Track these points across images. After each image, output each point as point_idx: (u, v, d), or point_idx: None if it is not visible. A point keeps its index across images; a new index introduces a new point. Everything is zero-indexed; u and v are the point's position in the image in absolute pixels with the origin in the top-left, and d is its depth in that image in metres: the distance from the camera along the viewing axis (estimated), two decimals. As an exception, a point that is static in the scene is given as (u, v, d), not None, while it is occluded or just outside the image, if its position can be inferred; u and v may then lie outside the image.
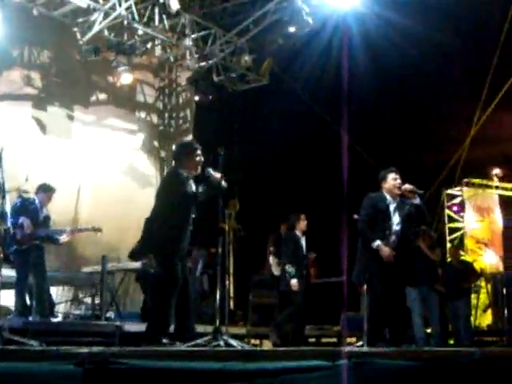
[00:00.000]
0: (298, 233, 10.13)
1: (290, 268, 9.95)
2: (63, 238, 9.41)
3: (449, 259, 12.43)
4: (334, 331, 12.04)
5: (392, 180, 7.80)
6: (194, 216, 6.99)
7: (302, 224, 10.12)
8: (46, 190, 9.48)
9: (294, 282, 9.84)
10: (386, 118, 14.50)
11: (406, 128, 14.74)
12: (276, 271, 11.83)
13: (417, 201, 7.74)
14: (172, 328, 6.93)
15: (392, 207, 7.74)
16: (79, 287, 11.83)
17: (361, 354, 5.38)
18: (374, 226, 7.72)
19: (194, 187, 6.98)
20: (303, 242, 10.15)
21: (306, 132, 14.28)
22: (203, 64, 13.56)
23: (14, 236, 8.71)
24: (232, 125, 14.20)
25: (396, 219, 7.72)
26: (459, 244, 15.46)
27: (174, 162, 7.42)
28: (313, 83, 13.94)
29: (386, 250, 7.53)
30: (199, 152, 7.13)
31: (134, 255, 10.79)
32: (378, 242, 7.57)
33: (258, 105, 14.42)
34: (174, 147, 7.17)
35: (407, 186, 7.74)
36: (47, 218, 9.48)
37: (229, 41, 13.41)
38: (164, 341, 6.47)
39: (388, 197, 7.78)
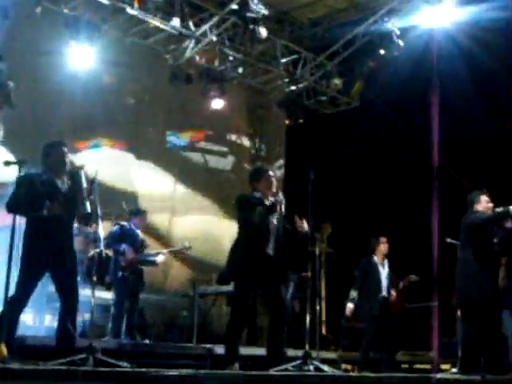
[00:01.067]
0: (375, 258, 9.92)
1: (351, 292, 9.83)
2: (160, 259, 9.70)
3: None
4: (427, 357, 11.78)
5: (485, 202, 7.76)
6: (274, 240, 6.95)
7: (383, 247, 9.91)
8: (137, 214, 9.72)
9: (349, 305, 9.74)
10: (479, 143, 14.16)
11: (497, 153, 14.35)
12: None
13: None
14: (264, 353, 6.98)
15: None
16: (172, 310, 11.98)
17: (454, 382, 5.27)
18: None
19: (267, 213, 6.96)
20: (384, 266, 9.93)
21: (396, 154, 14.11)
22: (293, 88, 13.60)
23: (117, 262, 9.08)
24: (323, 148, 14.15)
25: None
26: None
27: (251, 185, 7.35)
28: (404, 106, 13.77)
29: None
30: (270, 174, 7.17)
31: (222, 279, 10.88)
32: None
33: (349, 128, 14.32)
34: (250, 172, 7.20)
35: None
36: (143, 242, 9.76)
37: (319, 64, 13.42)
38: (236, 366, 6.51)
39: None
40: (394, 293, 10.20)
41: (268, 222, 6.89)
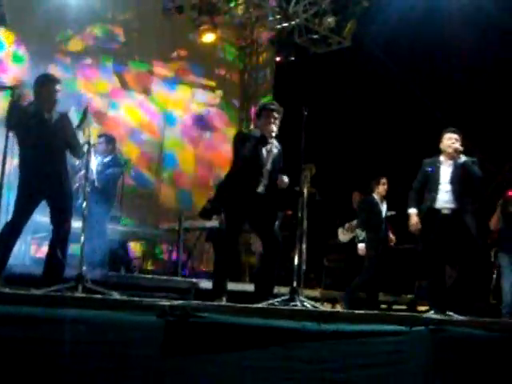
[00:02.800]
0: (376, 197, 10.04)
1: (359, 232, 9.97)
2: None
3: None
4: (407, 299, 11.95)
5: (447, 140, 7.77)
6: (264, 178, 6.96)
7: (382, 188, 10.01)
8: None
9: (360, 246, 9.95)
10: (474, 88, 14.04)
11: (494, 98, 14.24)
12: (342, 239, 11.86)
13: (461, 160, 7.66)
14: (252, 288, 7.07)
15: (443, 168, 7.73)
16: (156, 243, 12.03)
17: (437, 321, 5.34)
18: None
19: (263, 150, 6.95)
20: (383, 207, 10.05)
21: (386, 97, 14.06)
22: (285, 25, 13.46)
23: None
24: (312, 87, 14.05)
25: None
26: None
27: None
28: (396, 49, 13.65)
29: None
30: (273, 113, 7.01)
31: (204, 213, 10.90)
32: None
33: (339, 68, 14.21)
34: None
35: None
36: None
37: (312, 2, 13.26)
38: (223, 299, 6.57)
39: (441, 158, 7.77)
40: (391, 234, 10.38)
41: (259, 158, 6.87)
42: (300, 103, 7.48)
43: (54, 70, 9.81)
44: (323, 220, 12.66)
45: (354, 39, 13.75)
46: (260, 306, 5.76)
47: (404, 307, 11.91)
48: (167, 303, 4.27)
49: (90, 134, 6.21)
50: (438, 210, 7.63)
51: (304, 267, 12.44)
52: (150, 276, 9.26)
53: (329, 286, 11.72)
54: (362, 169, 13.41)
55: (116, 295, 5.72)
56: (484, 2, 12.11)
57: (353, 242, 11.48)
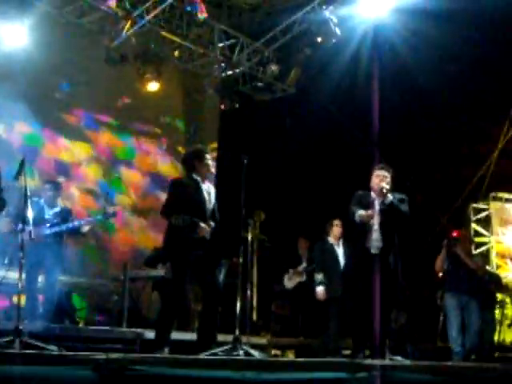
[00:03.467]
0: (330, 239, 9.98)
1: (316, 276, 9.80)
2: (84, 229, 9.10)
3: None
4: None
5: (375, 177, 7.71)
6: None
7: (336, 230, 9.94)
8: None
9: (319, 288, 9.67)
10: (414, 131, 14.36)
11: (433, 143, 14.59)
12: (288, 285, 11.85)
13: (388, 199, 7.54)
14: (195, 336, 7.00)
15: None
16: (101, 294, 11.85)
17: (380, 367, 5.32)
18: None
19: (207, 194, 7.01)
20: (339, 248, 9.94)
21: (332, 144, 14.22)
22: (230, 73, 13.56)
23: None
24: (257, 134, 14.14)
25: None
26: (486, 258, 15.20)
27: (184, 167, 7.37)
28: (340, 95, 13.83)
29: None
30: (209, 157, 7.22)
31: (149, 262, 10.81)
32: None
33: (284, 115, 14.36)
34: (184, 154, 7.13)
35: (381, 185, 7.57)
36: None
37: (256, 50, 13.39)
38: (166, 350, 6.50)
39: (372, 195, 7.69)
40: None
41: (202, 201, 6.89)
42: (245, 150, 7.54)
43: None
44: (273, 266, 12.67)
45: (299, 86, 13.88)
46: (199, 356, 5.69)
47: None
48: (103, 356, 4.19)
49: (26, 185, 6.15)
50: (368, 249, 7.50)
51: (253, 315, 12.51)
52: (93, 327, 9.09)
53: (277, 333, 11.65)
54: (307, 215, 13.48)
55: (54, 349, 5.61)
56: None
57: (298, 288, 11.51)
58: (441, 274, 10.49)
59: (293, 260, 12.05)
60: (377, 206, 7.57)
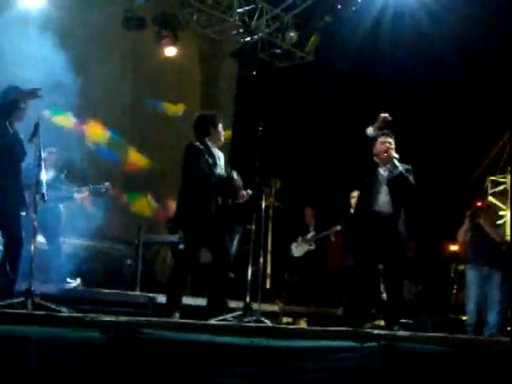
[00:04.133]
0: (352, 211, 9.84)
1: None
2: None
3: None
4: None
5: (380, 144, 7.42)
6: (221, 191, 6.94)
7: (354, 202, 9.78)
8: None
9: None
10: (431, 103, 14.24)
11: (451, 115, 14.47)
12: (296, 253, 11.85)
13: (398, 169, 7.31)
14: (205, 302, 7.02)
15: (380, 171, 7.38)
16: (116, 258, 11.90)
17: (390, 337, 5.30)
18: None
19: (218, 159, 6.99)
20: None
21: (348, 112, 14.13)
22: (248, 39, 13.48)
23: None
24: (274, 101, 14.06)
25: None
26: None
27: (198, 133, 7.20)
28: (360, 64, 13.73)
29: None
30: (221, 125, 7.19)
31: (170, 231, 10.82)
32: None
33: (303, 82, 14.25)
34: (197, 118, 6.99)
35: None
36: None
37: (275, 16, 13.29)
38: (176, 315, 6.54)
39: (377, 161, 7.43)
40: None
41: (215, 173, 6.87)
42: (262, 118, 7.50)
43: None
44: (288, 234, 12.68)
45: (318, 54, 13.78)
46: (207, 322, 5.69)
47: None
48: (112, 319, 4.19)
49: (41, 148, 6.14)
50: (376, 213, 7.27)
51: (266, 282, 12.54)
52: (106, 290, 9.12)
53: (289, 301, 11.68)
54: (319, 184, 13.46)
55: (64, 311, 5.64)
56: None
57: (307, 256, 11.52)
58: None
59: (299, 228, 12.04)
60: (382, 173, 7.33)
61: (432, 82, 14.02)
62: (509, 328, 10.60)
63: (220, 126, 7.12)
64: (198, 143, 6.94)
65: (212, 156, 6.90)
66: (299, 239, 11.84)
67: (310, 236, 11.72)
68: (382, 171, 7.33)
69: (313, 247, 11.63)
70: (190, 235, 6.97)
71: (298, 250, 11.81)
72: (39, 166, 6.17)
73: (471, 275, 9.66)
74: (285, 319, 10.62)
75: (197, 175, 6.82)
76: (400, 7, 12.19)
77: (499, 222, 15.24)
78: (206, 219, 6.76)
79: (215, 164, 6.90)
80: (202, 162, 6.75)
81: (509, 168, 15.55)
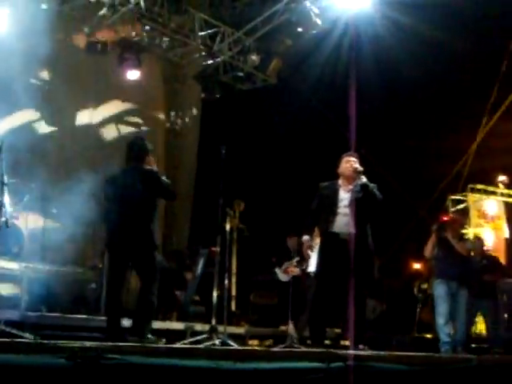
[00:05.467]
0: None
1: None
2: None
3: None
4: (334, 333, 11.96)
5: (345, 163, 7.48)
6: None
7: None
8: None
9: None
10: (393, 123, 14.44)
11: (413, 134, 14.70)
12: (282, 278, 11.73)
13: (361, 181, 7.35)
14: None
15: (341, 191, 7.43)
16: (79, 282, 11.80)
17: (356, 357, 5.34)
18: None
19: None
20: None
21: (312, 134, 14.26)
22: (210, 62, 13.54)
23: None
24: (238, 124, 14.15)
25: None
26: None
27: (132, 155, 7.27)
28: (321, 85, 13.88)
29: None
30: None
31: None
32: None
33: (265, 105, 14.37)
34: (132, 144, 7.04)
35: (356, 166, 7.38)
36: None
37: (237, 40, 13.37)
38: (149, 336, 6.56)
39: (340, 182, 7.50)
40: None
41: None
42: (226, 140, 7.55)
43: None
44: (253, 256, 12.69)
45: (280, 77, 13.88)
46: (174, 346, 5.70)
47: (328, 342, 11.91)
48: (77, 345, 4.17)
49: (3, 171, 6.10)
50: (336, 234, 7.30)
51: (232, 305, 12.52)
52: (70, 315, 9.05)
53: (256, 323, 11.66)
54: (292, 207, 13.51)
55: (29, 337, 5.59)
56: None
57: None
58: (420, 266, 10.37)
59: (281, 253, 11.93)
60: (344, 194, 7.39)
61: (393, 103, 14.23)
62: (473, 345, 10.73)
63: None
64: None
65: None
66: (286, 265, 11.62)
67: (295, 261, 11.52)
68: (343, 193, 7.39)
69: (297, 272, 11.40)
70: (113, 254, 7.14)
71: (284, 275, 11.58)
72: (1, 190, 6.13)
73: (439, 290, 9.56)
74: (251, 341, 10.61)
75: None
76: (361, 29, 12.35)
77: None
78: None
79: None
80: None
81: (469, 186, 15.82)
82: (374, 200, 7.36)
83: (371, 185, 7.35)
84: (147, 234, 6.91)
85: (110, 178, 7.19)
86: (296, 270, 11.21)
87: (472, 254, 10.55)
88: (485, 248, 11.37)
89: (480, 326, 13.17)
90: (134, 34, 12.41)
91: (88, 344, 4.33)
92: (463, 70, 13.77)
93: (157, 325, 8.43)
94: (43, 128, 12.58)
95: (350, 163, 7.39)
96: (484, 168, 15.19)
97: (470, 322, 10.50)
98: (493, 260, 11.20)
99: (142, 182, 6.89)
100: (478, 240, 11.52)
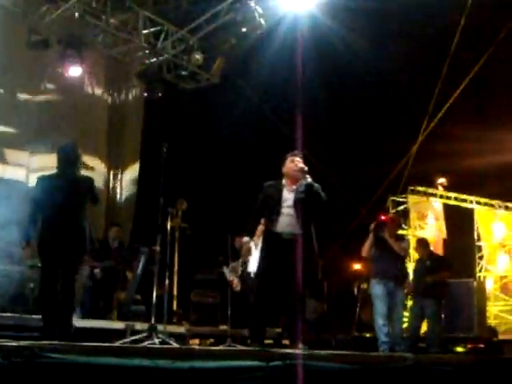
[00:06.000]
0: None
1: None
2: None
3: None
4: (274, 333, 12.00)
5: (289, 162, 7.43)
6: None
7: None
8: None
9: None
10: (336, 124, 14.57)
11: (356, 135, 14.84)
12: (230, 276, 11.68)
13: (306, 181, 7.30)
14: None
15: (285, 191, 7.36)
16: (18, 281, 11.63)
17: (294, 356, 5.37)
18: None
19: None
20: None
21: (255, 133, 14.29)
22: (154, 60, 13.48)
23: None
24: (181, 123, 14.09)
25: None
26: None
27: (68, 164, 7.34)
28: (264, 85, 13.93)
29: None
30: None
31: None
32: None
33: (208, 104, 14.35)
34: (63, 149, 7.18)
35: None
36: None
37: (181, 38, 13.34)
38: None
39: (283, 182, 7.44)
40: None
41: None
42: (168, 139, 7.53)
43: None
44: (194, 255, 12.66)
45: (223, 76, 13.90)
46: (111, 345, 5.66)
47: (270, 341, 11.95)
48: (13, 344, 4.12)
49: None
50: (279, 234, 7.23)
51: (173, 304, 12.46)
52: (7, 314, 8.92)
53: (196, 322, 11.63)
54: (233, 205, 13.52)
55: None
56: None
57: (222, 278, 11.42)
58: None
59: (230, 252, 11.87)
60: (288, 194, 7.33)
61: (336, 103, 14.35)
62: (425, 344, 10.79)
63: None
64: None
65: None
66: (233, 264, 11.56)
67: (240, 261, 11.48)
68: (287, 193, 7.38)
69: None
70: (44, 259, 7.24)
71: (231, 273, 11.53)
72: None
73: (377, 290, 9.60)
74: (191, 341, 10.59)
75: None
76: (305, 30, 12.42)
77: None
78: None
79: None
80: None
81: (409, 188, 16.03)
82: (318, 200, 7.30)
83: (316, 185, 7.30)
84: (78, 237, 7.06)
85: (41, 180, 7.23)
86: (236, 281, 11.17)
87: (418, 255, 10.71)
88: (431, 248, 11.54)
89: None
90: (76, 30, 12.25)
91: (23, 343, 4.27)
92: (406, 71, 13.95)
93: (97, 324, 8.37)
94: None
95: (295, 163, 7.33)
96: (424, 170, 15.40)
97: (418, 322, 10.66)
98: (438, 260, 11.29)
99: (75, 188, 7.07)
100: (422, 241, 11.64)
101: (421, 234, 16.14)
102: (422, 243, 11.45)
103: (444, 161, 15.56)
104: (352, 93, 14.29)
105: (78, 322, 8.52)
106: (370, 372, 5.63)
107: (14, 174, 12.60)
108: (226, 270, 11.70)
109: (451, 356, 9.86)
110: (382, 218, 10.90)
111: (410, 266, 12.47)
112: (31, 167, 12.88)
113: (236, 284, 9.74)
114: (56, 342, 4.97)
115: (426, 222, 16.70)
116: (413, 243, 15.29)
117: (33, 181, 8.65)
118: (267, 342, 11.76)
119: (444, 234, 16.78)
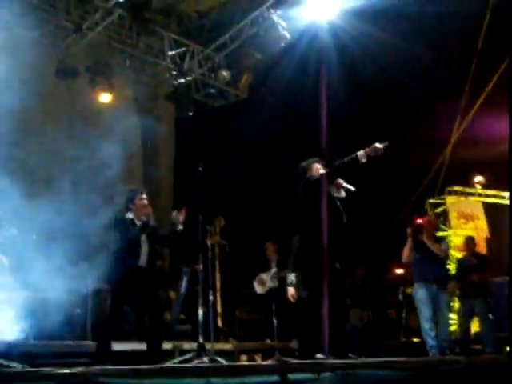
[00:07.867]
0: None
1: (289, 276, 9.56)
2: None
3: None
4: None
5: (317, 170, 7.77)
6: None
7: None
8: None
9: (290, 289, 9.52)
10: (364, 131, 14.52)
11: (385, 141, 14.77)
12: (260, 290, 11.64)
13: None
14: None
15: None
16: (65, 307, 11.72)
17: (344, 365, 5.36)
18: None
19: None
20: None
21: (285, 145, 14.30)
22: (182, 80, 13.56)
23: None
24: (212, 140, 14.15)
25: None
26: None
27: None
28: (291, 97, 13.95)
29: None
30: (144, 196, 7.50)
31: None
32: None
33: (238, 120, 14.41)
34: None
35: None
36: None
37: (206, 57, 13.43)
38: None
39: None
40: None
41: (138, 239, 7.31)
42: (201, 157, 7.57)
43: None
44: (236, 271, 12.67)
45: (250, 91, 13.95)
46: (163, 365, 5.69)
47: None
48: (66, 371, 4.17)
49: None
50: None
51: (218, 321, 12.47)
52: (57, 342, 8.99)
53: (242, 338, 11.63)
54: (268, 218, 13.53)
55: (15, 366, 5.56)
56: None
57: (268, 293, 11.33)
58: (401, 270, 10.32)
59: (260, 264, 11.89)
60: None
61: (362, 110, 14.29)
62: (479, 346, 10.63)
63: (142, 197, 7.46)
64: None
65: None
66: (261, 276, 11.55)
67: (272, 272, 11.46)
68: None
69: (276, 284, 11.17)
70: (114, 288, 7.61)
71: (260, 287, 11.52)
72: None
73: (420, 294, 9.51)
74: (240, 356, 10.57)
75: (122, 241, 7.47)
76: (328, 39, 12.43)
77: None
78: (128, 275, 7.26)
79: None
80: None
81: (446, 189, 15.90)
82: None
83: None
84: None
85: (121, 221, 7.48)
86: (269, 283, 11.11)
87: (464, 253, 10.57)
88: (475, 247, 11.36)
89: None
90: (103, 57, 12.38)
91: (76, 369, 4.32)
92: (431, 76, 13.87)
93: (144, 346, 8.38)
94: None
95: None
96: (460, 169, 15.26)
97: (468, 322, 10.52)
98: (483, 259, 11.13)
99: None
100: (469, 239, 11.47)
101: (463, 234, 15.98)
102: (470, 241, 11.30)
103: (481, 155, 15.40)
104: (379, 98, 14.23)
105: (124, 346, 8.59)
106: (423, 377, 5.59)
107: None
108: (255, 283, 11.68)
109: (504, 357, 9.72)
110: (419, 221, 10.80)
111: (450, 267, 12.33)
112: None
113: (292, 293, 9.55)
114: (109, 367, 5.01)
115: (467, 221, 16.52)
116: (455, 242, 15.22)
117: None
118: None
119: (486, 233, 16.58)
